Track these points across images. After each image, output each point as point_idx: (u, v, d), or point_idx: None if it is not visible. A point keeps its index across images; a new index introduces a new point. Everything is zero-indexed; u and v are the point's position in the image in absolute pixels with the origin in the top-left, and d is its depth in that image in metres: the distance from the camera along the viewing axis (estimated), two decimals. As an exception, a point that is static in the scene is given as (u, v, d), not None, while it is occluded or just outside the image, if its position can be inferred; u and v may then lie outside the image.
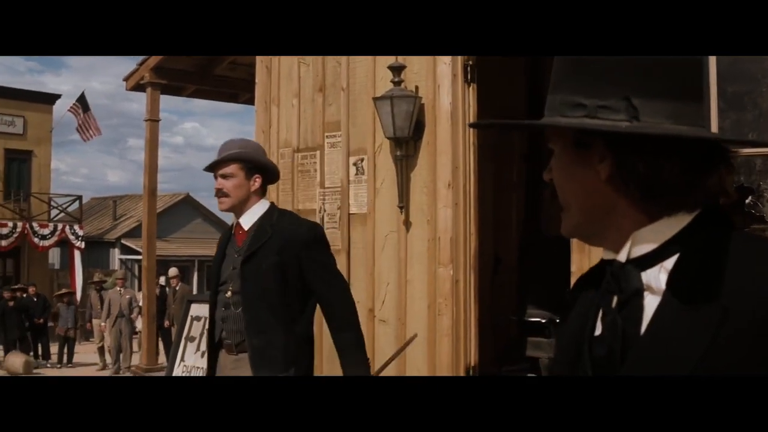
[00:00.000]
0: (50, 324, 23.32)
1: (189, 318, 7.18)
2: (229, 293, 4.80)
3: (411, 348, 7.00)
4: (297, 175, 8.47)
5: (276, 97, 8.81)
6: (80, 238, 35.10)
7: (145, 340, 11.08)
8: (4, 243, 32.67)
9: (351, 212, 7.88)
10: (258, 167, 4.81)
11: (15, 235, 32.91)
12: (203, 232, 42.92)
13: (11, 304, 22.58)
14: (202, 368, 6.61)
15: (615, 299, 1.60)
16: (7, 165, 35.55)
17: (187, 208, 44.91)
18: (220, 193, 4.79)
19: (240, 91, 12.64)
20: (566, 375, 1.70)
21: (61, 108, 36.55)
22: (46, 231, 34.21)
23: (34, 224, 33.93)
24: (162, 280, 21.67)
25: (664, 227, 1.55)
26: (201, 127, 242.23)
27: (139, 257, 37.70)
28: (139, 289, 22.59)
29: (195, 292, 35.89)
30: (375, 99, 7.34)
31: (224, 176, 4.77)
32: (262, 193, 4.87)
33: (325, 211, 8.11)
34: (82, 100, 33.52)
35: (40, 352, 23.14)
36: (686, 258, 1.51)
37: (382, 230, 7.58)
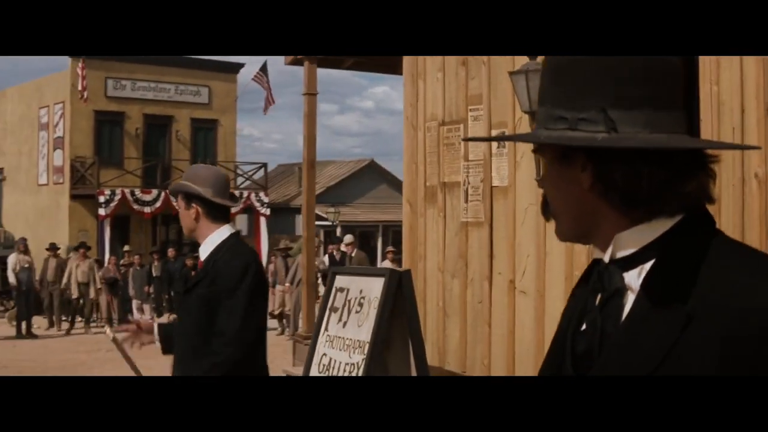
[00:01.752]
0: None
1: (334, 289, 7.35)
2: None
3: (550, 321, 7.02)
4: (442, 148, 8.53)
5: (422, 70, 8.89)
6: (266, 205, 35.99)
7: (305, 308, 11.39)
8: (191, 210, 33.72)
9: (493, 185, 7.90)
10: (194, 197, 4.71)
11: (202, 203, 33.87)
12: (388, 198, 43.32)
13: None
14: (343, 338, 6.78)
15: (599, 297, 1.66)
16: (193, 134, 36.82)
17: (372, 173, 45.50)
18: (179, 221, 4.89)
19: (398, 62, 12.72)
20: (552, 368, 1.77)
21: (245, 76, 37.37)
22: (232, 198, 35.07)
23: (222, 191, 34.88)
24: (342, 246, 22.13)
25: (643, 232, 1.60)
26: (391, 91, 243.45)
27: (325, 223, 38.65)
28: (324, 254, 23.08)
29: (379, 258, 36.40)
30: (511, 73, 7.34)
31: (178, 206, 4.83)
32: (218, 218, 4.75)
33: (468, 183, 8.16)
34: (264, 69, 34.37)
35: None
36: (661, 263, 1.57)
37: (522, 203, 7.59)
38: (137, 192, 32.98)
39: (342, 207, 39.66)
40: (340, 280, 7.44)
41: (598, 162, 1.58)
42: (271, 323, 22.93)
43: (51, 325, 22.44)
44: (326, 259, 21.73)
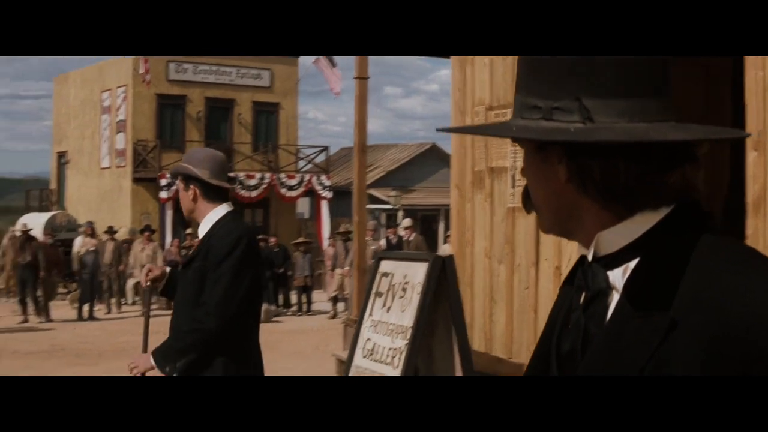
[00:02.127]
0: (289, 273, 24.21)
1: (378, 274, 7.35)
2: None
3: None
4: (491, 132, 8.46)
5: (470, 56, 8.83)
6: (327, 188, 35.86)
7: (356, 292, 11.40)
8: (253, 194, 33.94)
9: (540, 170, 7.82)
10: (192, 178, 4.90)
11: (263, 186, 34.11)
12: (449, 182, 43.18)
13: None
14: (387, 323, 6.79)
15: (583, 296, 1.60)
16: (255, 117, 37.01)
17: (433, 157, 45.38)
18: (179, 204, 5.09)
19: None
20: (538, 367, 1.72)
21: (307, 60, 37.48)
22: (293, 182, 35.30)
23: (282, 175, 35.11)
24: (400, 230, 22.14)
25: (627, 228, 1.52)
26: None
27: (387, 206, 38.69)
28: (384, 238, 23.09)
29: (440, 242, 36.37)
30: (556, 57, 7.25)
31: (178, 187, 5.04)
32: (215, 198, 4.93)
33: (516, 168, 8.10)
34: (326, 53, 34.43)
35: (281, 301, 24.16)
36: (644, 263, 1.50)
37: (569, 189, 7.51)
38: (199, 175, 33.08)
39: (404, 191, 39.62)
40: (385, 265, 7.44)
41: (573, 155, 1.51)
42: (326, 306, 23.11)
43: (108, 308, 22.76)
44: (384, 242, 21.74)
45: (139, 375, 4.78)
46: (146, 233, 23.78)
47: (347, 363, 7.38)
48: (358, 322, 7.54)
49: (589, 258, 1.58)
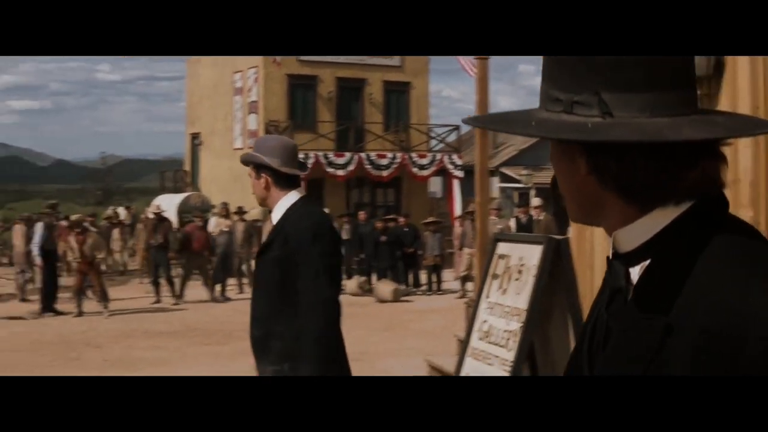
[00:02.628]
0: (419, 252, 24.28)
1: (495, 256, 7.33)
2: None
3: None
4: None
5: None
6: (459, 167, 35.80)
7: (478, 273, 11.36)
8: (384, 173, 34.20)
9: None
10: (263, 167, 4.91)
11: (395, 166, 34.34)
12: (582, 160, 42.57)
13: (383, 237, 23.80)
14: (503, 305, 6.77)
15: (608, 292, 1.60)
16: (386, 97, 37.12)
17: (565, 136, 44.73)
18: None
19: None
20: (572, 362, 1.71)
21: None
22: (424, 161, 35.44)
23: (413, 154, 35.22)
24: (531, 209, 21.93)
25: (643, 227, 1.51)
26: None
27: (519, 185, 38.42)
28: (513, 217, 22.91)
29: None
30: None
31: (250, 175, 5.00)
32: (287, 185, 4.92)
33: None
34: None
35: (411, 280, 24.25)
36: (654, 264, 1.50)
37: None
38: (330, 155, 33.51)
39: (536, 169, 39.25)
40: (502, 247, 7.41)
41: (591, 151, 1.48)
42: (456, 285, 23.09)
43: (240, 288, 23.06)
44: (513, 222, 21.59)
45: None
46: (276, 214, 24.01)
47: (463, 345, 7.39)
48: (475, 304, 7.53)
49: (610, 254, 1.59)
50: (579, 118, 1.46)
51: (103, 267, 21.07)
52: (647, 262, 1.49)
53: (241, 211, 24.12)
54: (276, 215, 4.96)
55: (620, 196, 1.50)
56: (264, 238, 23.38)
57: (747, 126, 1.54)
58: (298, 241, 4.74)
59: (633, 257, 1.53)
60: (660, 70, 1.45)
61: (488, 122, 1.71)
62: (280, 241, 4.82)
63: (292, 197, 4.93)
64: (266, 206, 5.12)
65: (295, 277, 4.70)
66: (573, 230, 8.88)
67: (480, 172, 10.64)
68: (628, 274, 1.53)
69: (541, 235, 12.21)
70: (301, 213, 4.87)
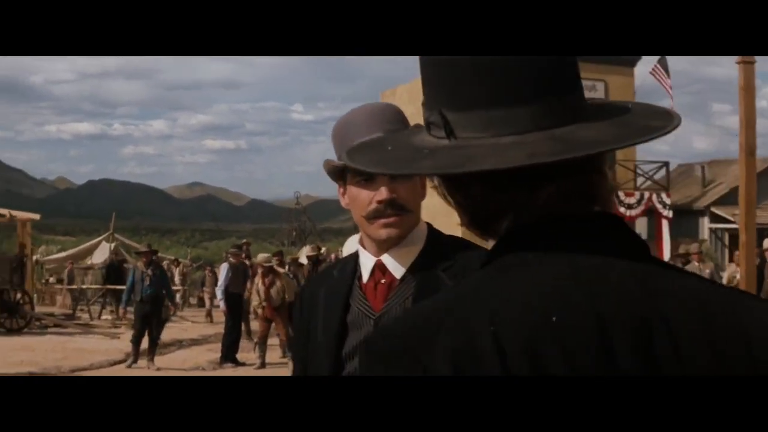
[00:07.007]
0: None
1: None
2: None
3: None
4: None
5: None
6: (668, 207, 34.14)
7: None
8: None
9: None
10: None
11: (604, 205, 32.86)
12: None
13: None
14: None
15: None
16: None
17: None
18: (391, 207, 2.73)
19: None
20: None
21: (642, 70, 36.18)
22: (632, 200, 33.83)
23: (620, 193, 33.49)
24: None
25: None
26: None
27: (730, 226, 35.95)
28: (730, 261, 20.94)
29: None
30: None
31: (393, 177, 2.68)
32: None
33: None
34: (663, 62, 32.30)
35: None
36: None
37: None
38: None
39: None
40: None
41: (440, 179, 1.36)
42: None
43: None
44: (733, 267, 19.45)
45: None
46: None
47: None
48: None
49: None
50: (432, 140, 1.33)
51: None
52: None
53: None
54: (406, 259, 3.64)
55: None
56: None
57: (628, 133, 1.36)
58: None
59: None
60: (506, 82, 1.26)
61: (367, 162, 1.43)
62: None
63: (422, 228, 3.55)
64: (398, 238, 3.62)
65: None
66: None
67: (746, 205, 8.50)
68: None
69: None
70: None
